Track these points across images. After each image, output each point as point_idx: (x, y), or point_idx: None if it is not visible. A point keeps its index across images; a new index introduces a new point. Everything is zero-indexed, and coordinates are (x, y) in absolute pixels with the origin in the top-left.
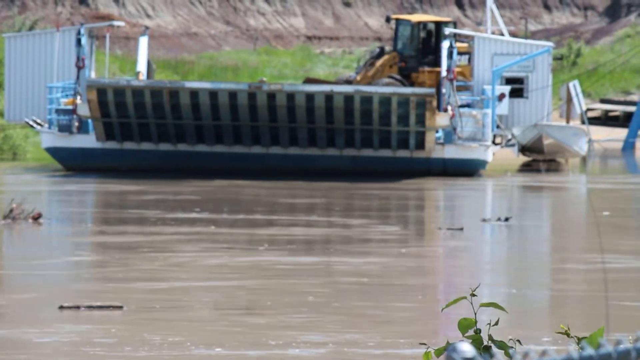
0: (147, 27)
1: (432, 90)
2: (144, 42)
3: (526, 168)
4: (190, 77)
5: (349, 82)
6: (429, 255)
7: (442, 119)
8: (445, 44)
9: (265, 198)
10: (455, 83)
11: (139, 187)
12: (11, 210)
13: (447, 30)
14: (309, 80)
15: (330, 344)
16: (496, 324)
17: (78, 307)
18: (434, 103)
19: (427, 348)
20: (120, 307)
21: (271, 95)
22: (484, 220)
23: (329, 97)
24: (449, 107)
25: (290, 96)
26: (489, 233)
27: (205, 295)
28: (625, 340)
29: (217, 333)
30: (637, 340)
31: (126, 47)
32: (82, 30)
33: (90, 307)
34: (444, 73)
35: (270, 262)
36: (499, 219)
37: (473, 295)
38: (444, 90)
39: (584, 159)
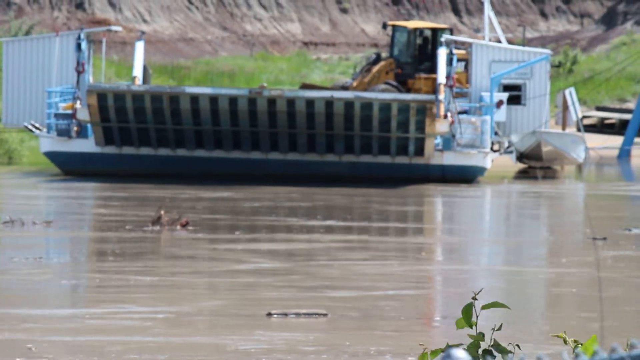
0: (143, 32)
1: (433, 97)
2: (140, 47)
3: (522, 175)
4: (187, 82)
5: (345, 88)
6: (604, 265)
7: (441, 126)
8: (441, 51)
9: (364, 205)
10: (454, 90)
11: (220, 193)
12: (159, 217)
13: (445, 37)
14: (305, 86)
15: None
16: (499, 328)
17: (286, 314)
18: (434, 110)
19: (424, 349)
20: (325, 315)
21: (271, 101)
22: (629, 229)
23: (329, 103)
24: (449, 114)
25: (291, 102)
26: None
27: (396, 303)
28: (619, 347)
29: (417, 342)
30: (631, 347)
31: (122, 52)
32: (82, 35)
33: (297, 315)
34: (440, 80)
35: (443, 270)
36: None
37: (475, 299)
38: (440, 97)
39: (579, 167)
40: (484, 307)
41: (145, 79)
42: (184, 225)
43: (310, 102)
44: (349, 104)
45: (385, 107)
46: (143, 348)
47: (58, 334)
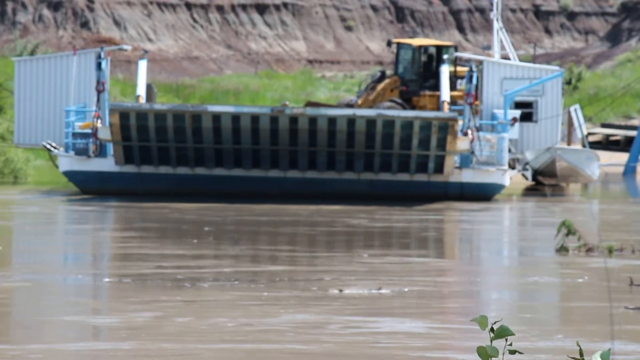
0: (145, 51)
1: (455, 115)
2: (143, 65)
3: (531, 192)
4: (192, 100)
5: (350, 105)
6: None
7: (462, 143)
8: (444, 68)
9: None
10: (473, 107)
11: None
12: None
13: (457, 55)
14: (310, 104)
15: None
16: (513, 350)
17: None
18: (457, 127)
19: None
20: None
21: (293, 119)
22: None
23: (351, 121)
24: (469, 131)
25: (313, 120)
26: None
27: None
28: None
29: None
30: None
31: (127, 70)
32: (103, 54)
33: None
34: (443, 97)
35: None
36: None
37: (492, 331)
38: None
39: (585, 184)
40: (493, 338)
41: (150, 98)
42: (588, 251)
43: (332, 120)
44: (370, 122)
45: (407, 124)
46: None
47: None
